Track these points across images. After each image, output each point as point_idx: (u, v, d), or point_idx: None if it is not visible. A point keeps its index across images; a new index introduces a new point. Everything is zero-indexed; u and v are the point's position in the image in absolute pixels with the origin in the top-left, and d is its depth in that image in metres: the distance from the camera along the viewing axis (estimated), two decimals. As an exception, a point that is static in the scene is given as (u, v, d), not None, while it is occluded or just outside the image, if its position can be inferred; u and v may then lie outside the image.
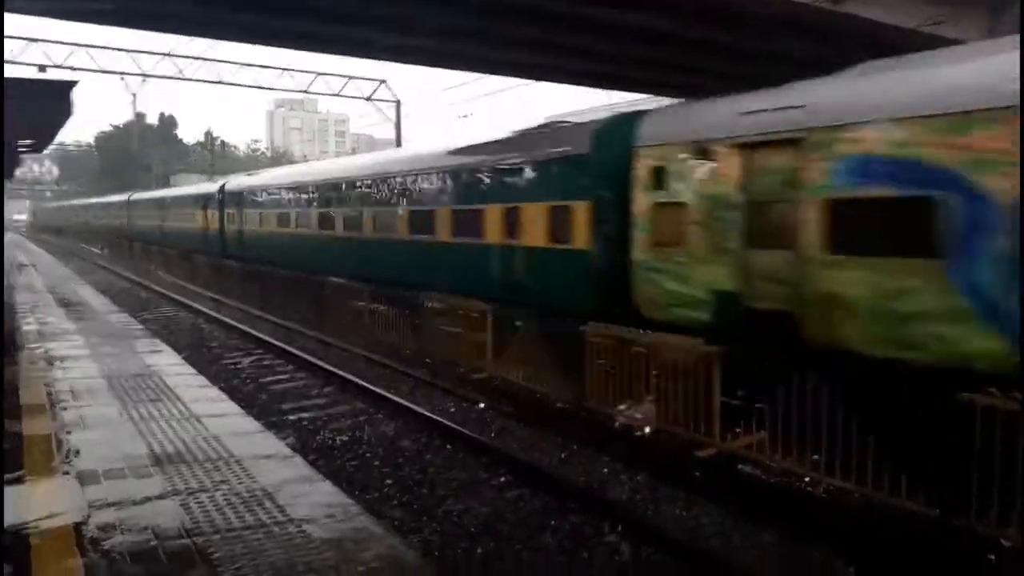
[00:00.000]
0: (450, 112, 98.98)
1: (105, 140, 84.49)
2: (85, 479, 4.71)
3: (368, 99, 37.76)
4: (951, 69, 6.53)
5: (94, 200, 56.62)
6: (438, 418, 8.78)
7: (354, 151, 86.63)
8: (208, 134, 74.96)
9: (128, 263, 35.37)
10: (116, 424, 6.01)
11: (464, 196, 12.26)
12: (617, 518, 6.12)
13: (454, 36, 18.60)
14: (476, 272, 11.72)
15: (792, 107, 7.27)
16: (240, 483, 4.66)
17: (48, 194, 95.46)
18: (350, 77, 36.99)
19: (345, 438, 8.51)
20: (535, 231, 10.51)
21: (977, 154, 5.84)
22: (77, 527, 3.97)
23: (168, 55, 32.79)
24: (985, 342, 5.77)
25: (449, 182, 12.76)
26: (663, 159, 8.51)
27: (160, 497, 4.43)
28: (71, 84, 17.05)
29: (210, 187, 28.48)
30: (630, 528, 5.94)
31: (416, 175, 13.83)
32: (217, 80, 34.25)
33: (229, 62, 34.16)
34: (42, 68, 29.86)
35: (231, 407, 7.03)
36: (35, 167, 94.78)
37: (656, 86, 25.73)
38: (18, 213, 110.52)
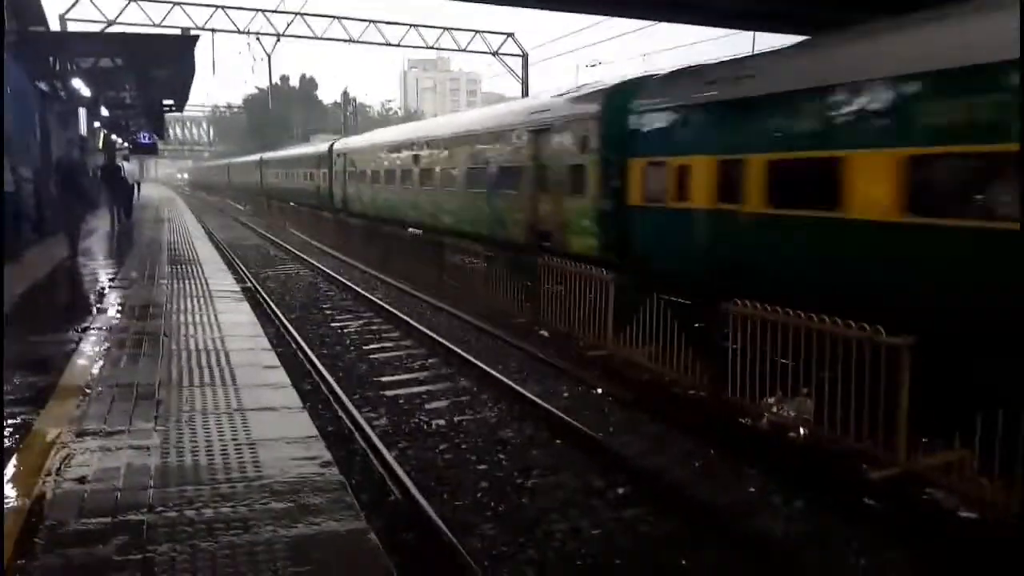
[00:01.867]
0: (578, 61, 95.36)
1: (252, 102, 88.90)
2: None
3: (495, 54, 36.65)
4: None
5: (234, 160, 60.56)
6: (548, 405, 7.53)
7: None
8: (344, 94, 76.96)
9: (265, 219, 36.64)
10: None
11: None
12: (771, 562, 4.67)
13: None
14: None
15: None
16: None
17: (206, 154, 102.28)
18: (477, 31, 36.00)
19: (442, 422, 7.48)
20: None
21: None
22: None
23: (300, 14, 33.05)
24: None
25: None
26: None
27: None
28: (192, 39, 16.94)
29: (321, 147, 30.80)
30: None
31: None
32: (348, 39, 34.26)
33: (357, 19, 34.06)
34: (185, 31, 30.93)
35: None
36: (194, 129, 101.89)
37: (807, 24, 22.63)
38: (179, 172, 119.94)
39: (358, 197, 24.92)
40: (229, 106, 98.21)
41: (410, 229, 18.11)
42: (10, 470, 3.74)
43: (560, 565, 4.78)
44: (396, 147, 21.03)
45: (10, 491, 3.39)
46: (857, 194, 7.02)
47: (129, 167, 27.58)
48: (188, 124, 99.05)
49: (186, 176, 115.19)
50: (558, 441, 6.89)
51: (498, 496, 5.76)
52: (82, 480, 3.57)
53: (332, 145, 29.01)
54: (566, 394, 8.29)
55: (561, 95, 13.14)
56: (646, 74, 11.46)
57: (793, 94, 7.76)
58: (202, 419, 4.48)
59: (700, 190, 8.85)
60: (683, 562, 4.77)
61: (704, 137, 8.82)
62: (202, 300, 9.03)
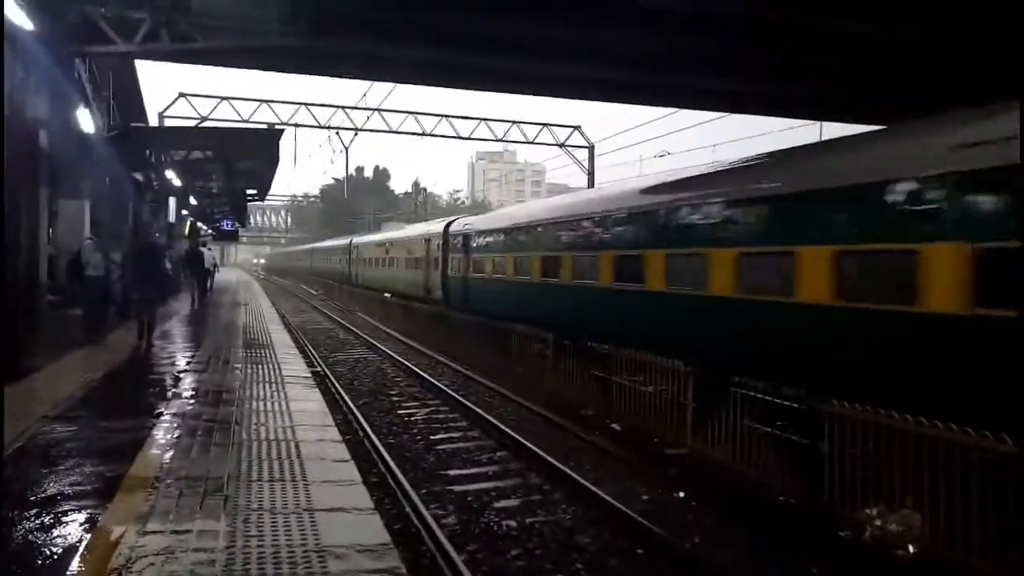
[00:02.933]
0: (643, 152, 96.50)
1: (328, 191, 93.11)
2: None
3: (562, 145, 37.43)
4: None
5: (319, 244, 60.12)
6: (626, 510, 7.02)
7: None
8: (416, 184, 79.84)
9: (335, 302, 37.37)
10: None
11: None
12: None
13: (644, 64, 17.08)
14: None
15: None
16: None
17: (283, 241, 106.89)
18: (544, 124, 36.98)
19: (513, 523, 7.04)
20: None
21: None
22: None
23: (377, 110, 34.66)
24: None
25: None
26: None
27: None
28: (278, 132, 17.80)
29: (431, 228, 26.00)
30: None
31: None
32: (421, 132, 35.65)
33: (430, 113, 35.50)
34: (270, 126, 32.80)
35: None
36: (273, 217, 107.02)
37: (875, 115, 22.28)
38: (256, 257, 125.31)
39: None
40: (306, 195, 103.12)
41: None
42: (75, 567, 3.57)
43: None
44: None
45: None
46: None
47: (208, 253, 28.81)
48: (267, 212, 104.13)
49: (263, 261, 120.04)
50: (640, 551, 6.34)
51: (577, 613, 5.26)
52: (144, 587, 3.34)
53: (449, 224, 23.26)
54: (645, 496, 7.73)
55: (439, 222, 26.22)
56: (455, 217, 24.66)
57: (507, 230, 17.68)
58: (270, 519, 4.23)
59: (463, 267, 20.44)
60: None
61: (466, 248, 20.07)
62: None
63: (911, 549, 6.23)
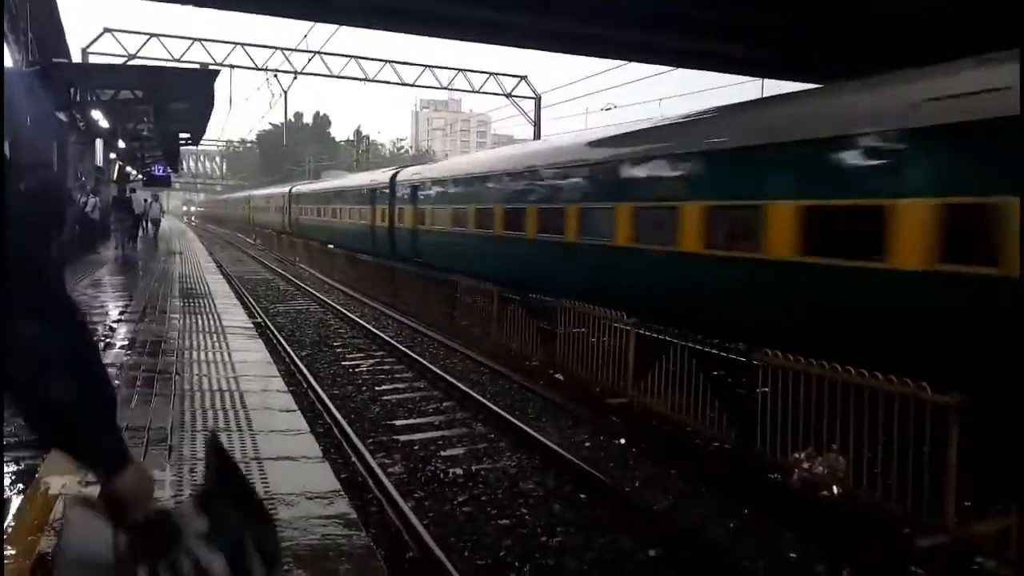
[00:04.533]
0: (590, 104, 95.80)
1: (265, 137, 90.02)
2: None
3: (508, 96, 36.99)
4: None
5: (256, 192, 58.33)
6: (570, 456, 7.22)
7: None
8: (357, 132, 77.83)
9: (275, 253, 36.57)
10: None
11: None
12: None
13: (593, 19, 16.96)
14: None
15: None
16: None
17: (218, 188, 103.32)
18: (491, 73, 36.42)
19: (459, 471, 7.17)
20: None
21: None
22: None
23: (319, 53, 33.42)
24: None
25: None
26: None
27: None
28: (213, 73, 17.03)
29: (378, 177, 25.19)
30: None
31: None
32: (363, 77, 34.65)
33: (374, 58, 34.49)
34: (204, 66, 31.30)
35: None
36: (207, 163, 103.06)
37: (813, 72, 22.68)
38: (187, 205, 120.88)
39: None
40: (243, 141, 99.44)
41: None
42: (11, 520, 3.48)
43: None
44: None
45: (9, 550, 3.10)
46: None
47: (140, 198, 27.60)
48: (201, 158, 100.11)
49: (195, 208, 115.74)
50: (583, 496, 6.55)
51: (523, 555, 5.42)
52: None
53: (395, 175, 22.69)
54: (588, 443, 7.96)
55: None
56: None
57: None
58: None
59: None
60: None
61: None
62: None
63: (835, 490, 6.62)
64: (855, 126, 7.52)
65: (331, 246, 28.38)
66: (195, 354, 7.69)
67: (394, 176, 22.47)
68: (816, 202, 7.85)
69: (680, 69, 24.58)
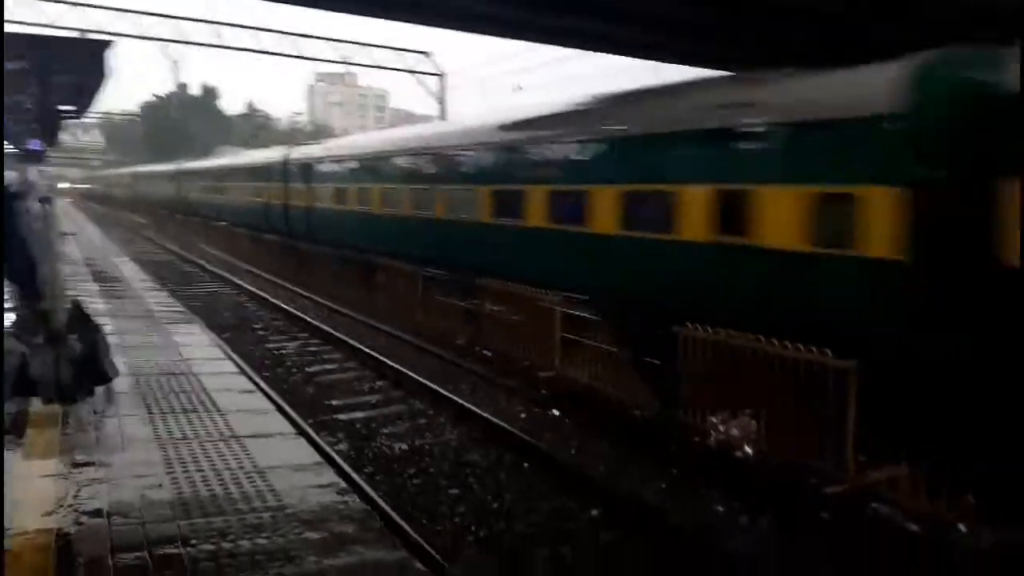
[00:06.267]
0: (501, 85, 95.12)
1: (149, 110, 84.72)
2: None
3: (412, 72, 36.61)
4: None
5: (141, 169, 55.76)
6: (510, 427, 7.64)
7: (391, 126, 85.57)
8: (251, 106, 74.60)
9: (169, 233, 34.93)
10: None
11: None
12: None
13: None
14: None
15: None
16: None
17: (96, 163, 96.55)
18: (392, 48, 35.87)
19: (404, 446, 7.44)
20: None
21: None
22: None
23: (209, 21, 31.87)
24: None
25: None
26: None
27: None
28: (105, 44, 16.15)
29: (273, 155, 24.82)
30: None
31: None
32: (259, 48, 33.34)
33: (269, 30, 33.24)
34: (83, 32, 29.25)
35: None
36: (82, 136, 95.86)
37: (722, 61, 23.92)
38: (67, 182, 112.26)
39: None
40: (125, 113, 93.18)
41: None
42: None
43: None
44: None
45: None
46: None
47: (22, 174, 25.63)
48: (78, 131, 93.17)
49: (68, 185, 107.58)
50: (525, 464, 6.98)
51: (477, 519, 5.81)
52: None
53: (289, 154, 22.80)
54: (523, 415, 8.40)
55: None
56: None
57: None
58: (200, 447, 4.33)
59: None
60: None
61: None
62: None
63: (748, 450, 7.36)
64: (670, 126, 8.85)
65: (224, 223, 28.30)
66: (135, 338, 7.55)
67: (286, 155, 22.60)
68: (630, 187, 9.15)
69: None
